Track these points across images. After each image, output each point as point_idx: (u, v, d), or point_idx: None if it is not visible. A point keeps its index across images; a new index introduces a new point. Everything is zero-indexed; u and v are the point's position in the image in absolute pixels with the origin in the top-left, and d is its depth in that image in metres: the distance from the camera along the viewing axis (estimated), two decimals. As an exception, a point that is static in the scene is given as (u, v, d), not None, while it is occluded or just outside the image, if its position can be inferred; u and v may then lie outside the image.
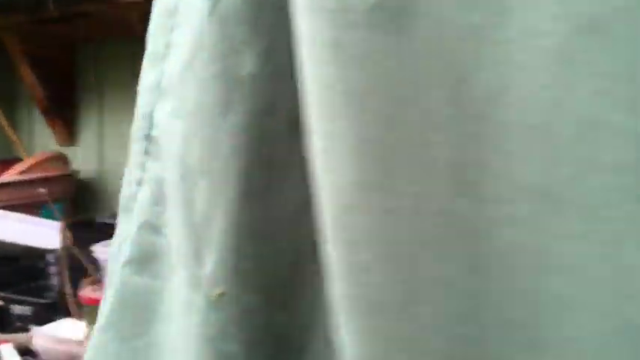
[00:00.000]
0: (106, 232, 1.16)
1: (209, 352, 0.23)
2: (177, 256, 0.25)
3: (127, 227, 0.27)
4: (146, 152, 0.26)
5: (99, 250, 0.86)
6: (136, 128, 0.27)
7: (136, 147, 0.27)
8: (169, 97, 0.25)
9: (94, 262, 0.90)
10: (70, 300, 0.87)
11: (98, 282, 0.88)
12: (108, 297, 0.26)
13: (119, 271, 0.26)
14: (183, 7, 0.25)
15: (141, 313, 0.26)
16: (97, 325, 0.26)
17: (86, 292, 0.85)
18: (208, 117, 0.23)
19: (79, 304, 0.91)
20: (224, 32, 0.23)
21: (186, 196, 0.24)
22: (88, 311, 0.83)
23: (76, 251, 0.90)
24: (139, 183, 0.27)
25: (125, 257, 0.26)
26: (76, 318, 0.90)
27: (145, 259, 0.26)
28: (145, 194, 0.26)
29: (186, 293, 0.24)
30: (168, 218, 0.26)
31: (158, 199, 0.26)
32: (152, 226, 0.26)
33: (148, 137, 0.26)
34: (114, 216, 0.99)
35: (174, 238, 0.25)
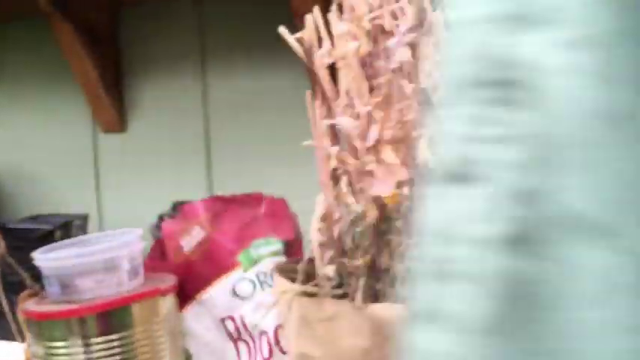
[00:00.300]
0: (21, 238, 1.01)
1: None
2: (583, 225, 0.20)
3: (473, 201, 0.21)
4: (502, 101, 0.21)
5: (41, 257, 0.75)
6: (464, 72, 0.21)
7: (468, 96, 0.21)
8: (552, 27, 0.20)
9: (33, 271, 0.78)
10: (8, 317, 0.75)
11: (39, 294, 0.76)
12: (467, 291, 0.21)
13: (491, 258, 0.20)
14: None
15: (531, 307, 0.20)
16: (471, 328, 0.20)
17: (29, 306, 0.73)
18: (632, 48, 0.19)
19: (17, 321, 0.78)
20: None
21: (613, 147, 0.19)
22: (34, 327, 0.72)
23: (11, 260, 0.77)
24: (495, 141, 0.21)
25: (495, 238, 0.20)
26: (16, 338, 0.77)
27: (527, 238, 0.20)
28: (511, 155, 0.21)
29: (619, 274, 0.19)
30: (563, 181, 0.20)
31: (540, 160, 0.20)
32: (533, 194, 0.21)
33: (503, 81, 0.21)
34: (23, 221, 0.86)
35: (581, 204, 0.20)
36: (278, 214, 0.90)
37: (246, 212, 0.86)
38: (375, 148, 0.45)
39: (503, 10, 0.21)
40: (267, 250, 0.83)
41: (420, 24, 0.43)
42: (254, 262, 0.81)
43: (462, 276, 0.21)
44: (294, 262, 0.80)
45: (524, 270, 0.21)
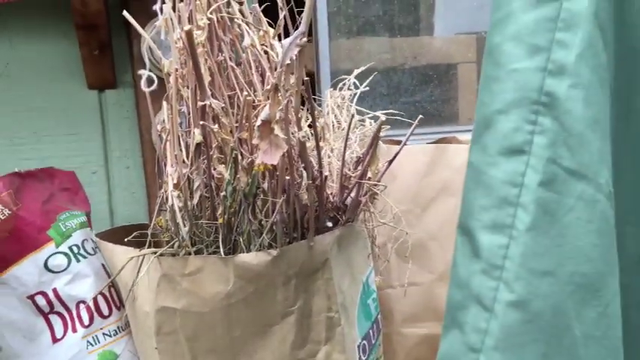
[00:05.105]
0: None
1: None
2: (579, 174, 0.37)
3: (524, 165, 0.37)
4: (537, 112, 0.36)
5: None
6: (517, 99, 0.36)
7: (517, 111, 0.36)
8: (567, 76, 0.35)
9: None
10: None
11: None
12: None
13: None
14: (566, 15, 0.36)
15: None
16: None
17: None
18: (598, 89, 0.35)
19: None
20: (603, 37, 0.36)
21: (587, 136, 0.36)
22: None
23: None
24: (531, 133, 0.36)
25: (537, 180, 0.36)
26: None
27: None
28: (541, 140, 0.36)
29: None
30: (566, 151, 0.37)
31: (554, 142, 0.36)
32: (553, 159, 0.36)
33: (538, 102, 0.36)
34: None
35: (575, 163, 0.36)
36: (71, 188, 0.91)
37: (44, 187, 0.86)
38: (263, 126, 0.56)
39: (539, 66, 0.38)
40: (74, 222, 0.85)
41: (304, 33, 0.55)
42: (65, 235, 0.82)
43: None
44: (118, 230, 0.84)
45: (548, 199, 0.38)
